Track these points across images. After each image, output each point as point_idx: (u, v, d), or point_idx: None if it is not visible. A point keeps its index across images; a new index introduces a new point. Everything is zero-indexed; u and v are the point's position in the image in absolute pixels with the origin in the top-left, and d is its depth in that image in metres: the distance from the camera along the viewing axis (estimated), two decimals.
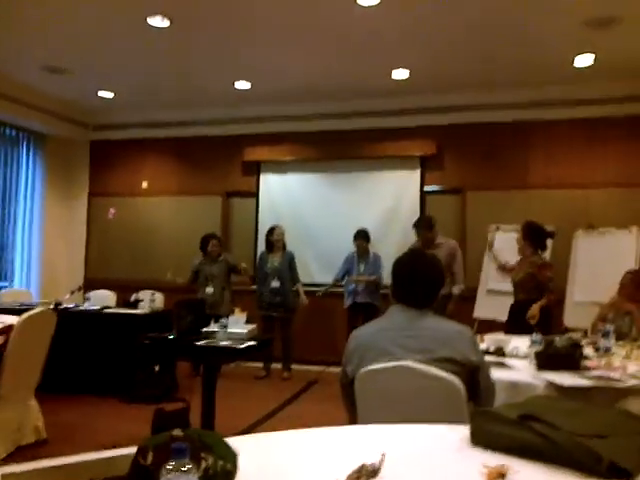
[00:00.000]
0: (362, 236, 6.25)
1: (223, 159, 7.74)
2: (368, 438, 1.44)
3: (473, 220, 6.75)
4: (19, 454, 3.69)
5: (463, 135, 6.97)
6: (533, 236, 4.47)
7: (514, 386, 2.41)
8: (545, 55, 5.65)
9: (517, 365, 2.73)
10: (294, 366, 6.65)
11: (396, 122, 7.08)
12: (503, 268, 5.10)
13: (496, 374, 2.26)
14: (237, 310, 4.32)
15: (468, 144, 6.97)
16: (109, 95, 7.23)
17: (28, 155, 7.73)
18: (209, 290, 6.24)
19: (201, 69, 6.24)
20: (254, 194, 7.60)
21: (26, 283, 7.62)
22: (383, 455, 1.18)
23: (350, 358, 2.11)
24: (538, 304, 4.19)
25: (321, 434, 1.46)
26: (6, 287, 7.10)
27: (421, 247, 5.27)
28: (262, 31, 5.17)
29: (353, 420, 2.09)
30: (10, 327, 3.69)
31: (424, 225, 5.54)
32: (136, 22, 4.99)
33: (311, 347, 7.02)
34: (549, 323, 4.21)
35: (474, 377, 2.00)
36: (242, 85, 6.69)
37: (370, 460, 1.16)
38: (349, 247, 6.51)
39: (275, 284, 6.39)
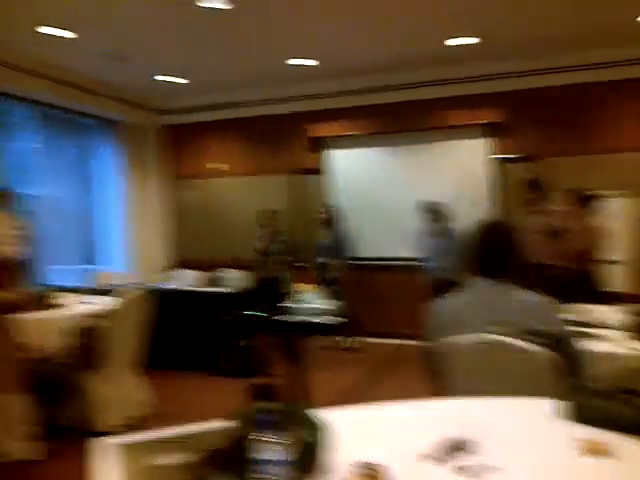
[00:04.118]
0: (429, 210, 6.15)
1: (289, 137, 7.77)
2: (453, 411, 1.45)
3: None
4: (127, 427, 3.96)
5: (533, 100, 6.64)
6: (586, 202, 4.22)
7: (606, 357, 2.33)
8: (613, 15, 5.28)
9: (608, 335, 2.63)
10: (379, 340, 6.73)
11: (462, 90, 6.85)
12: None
13: (586, 345, 2.19)
14: (301, 286, 4.34)
15: (539, 109, 6.64)
16: (177, 80, 7.38)
17: (110, 143, 8.08)
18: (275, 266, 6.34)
19: (264, 48, 6.22)
20: (320, 171, 7.62)
21: (118, 264, 8.05)
22: (470, 429, 1.19)
23: (432, 331, 2.11)
24: None
25: (406, 407, 1.47)
26: (102, 269, 7.53)
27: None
28: (322, 6, 5.11)
29: (437, 394, 2.10)
30: (110, 309, 3.94)
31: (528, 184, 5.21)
32: (195, 8, 5.00)
33: (394, 320, 7.04)
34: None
35: (560, 348, 1.95)
36: (304, 62, 6.64)
37: (456, 434, 1.17)
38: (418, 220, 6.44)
39: (325, 260, 6.49)
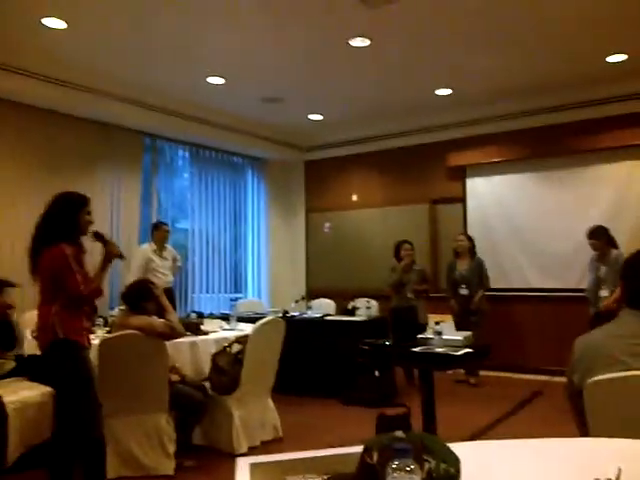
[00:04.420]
0: (593, 235, 5.52)
1: (427, 167, 7.76)
2: (600, 452, 1.34)
3: None
4: (259, 449, 4.11)
5: None
6: None
7: None
8: None
9: None
10: (516, 375, 6.43)
11: (613, 110, 6.40)
12: None
13: None
14: (437, 316, 4.25)
15: None
16: (318, 117, 7.73)
17: (253, 180, 8.63)
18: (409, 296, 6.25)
19: (401, 82, 6.35)
20: (461, 199, 7.49)
21: (257, 294, 8.46)
22: (619, 470, 1.10)
23: (576, 367, 1.97)
24: None
25: (548, 445, 1.40)
26: (241, 298, 7.95)
27: None
28: (460, 36, 5.12)
29: (583, 434, 1.95)
30: (247, 336, 4.15)
31: None
32: (339, 47, 5.28)
33: (537, 355, 6.67)
34: None
35: None
36: (442, 92, 6.66)
37: (604, 475, 1.09)
38: (569, 249, 6.05)
39: (463, 292, 6.29)
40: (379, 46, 5.28)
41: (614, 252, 5.41)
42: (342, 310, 6.39)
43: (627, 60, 5.69)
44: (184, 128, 7.03)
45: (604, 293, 5.37)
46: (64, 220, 2.97)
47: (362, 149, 8.28)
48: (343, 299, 6.78)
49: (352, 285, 8.00)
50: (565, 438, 1.43)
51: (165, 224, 6.43)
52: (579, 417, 1.97)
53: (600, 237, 5.48)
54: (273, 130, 8.17)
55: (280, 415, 4.47)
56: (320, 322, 6.08)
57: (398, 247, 6.42)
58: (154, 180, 7.19)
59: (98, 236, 3.18)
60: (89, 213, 3.08)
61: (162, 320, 3.75)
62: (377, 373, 5.48)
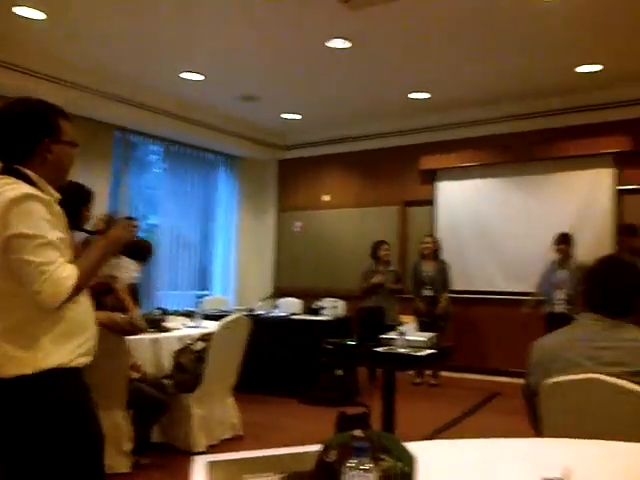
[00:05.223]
0: (563, 240, 5.73)
1: (400, 169, 7.81)
2: (552, 452, 1.37)
3: None
4: (218, 448, 4.07)
5: None
6: None
7: None
8: None
9: None
10: (476, 376, 6.53)
11: (583, 119, 6.54)
12: None
13: None
14: (403, 317, 4.29)
15: None
16: (294, 117, 7.70)
17: (225, 176, 8.54)
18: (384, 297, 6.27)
19: (379, 85, 6.37)
20: (431, 202, 7.57)
21: (224, 291, 8.39)
22: (569, 470, 1.12)
23: (534, 369, 2.01)
24: None
25: (502, 445, 1.42)
26: (207, 295, 7.88)
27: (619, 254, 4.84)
28: (440, 41, 5.17)
29: (538, 434, 2.00)
30: (211, 334, 4.11)
31: (624, 231, 5.22)
32: (319, 48, 5.27)
33: (495, 356, 6.79)
34: None
35: None
36: (418, 95, 6.70)
37: (554, 475, 1.11)
38: (536, 254, 6.18)
39: (428, 292, 6.34)
40: (359, 48, 5.28)
41: (574, 259, 5.67)
42: (308, 309, 6.39)
43: (600, 71, 5.80)
44: (157, 123, 6.91)
45: (560, 295, 5.60)
46: (73, 212, 2.87)
47: (337, 150, 8.28)
48: (312, 299, 6.78)
49: (321, 285, 8.00)
50: (518, 438, 1.46)
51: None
52: (534, 418, 2.01)
53: (569, 243, 5.73)
54: (249, 128, 8.10)
55: (242, 413, 4.45)
56: (285, 321, 6.07)
57: (376, 247, 6.42)
58: (125, 175, 7.06)
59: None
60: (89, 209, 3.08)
61: (122, 315, 3.68)
62: (339, 372, 5.50)
